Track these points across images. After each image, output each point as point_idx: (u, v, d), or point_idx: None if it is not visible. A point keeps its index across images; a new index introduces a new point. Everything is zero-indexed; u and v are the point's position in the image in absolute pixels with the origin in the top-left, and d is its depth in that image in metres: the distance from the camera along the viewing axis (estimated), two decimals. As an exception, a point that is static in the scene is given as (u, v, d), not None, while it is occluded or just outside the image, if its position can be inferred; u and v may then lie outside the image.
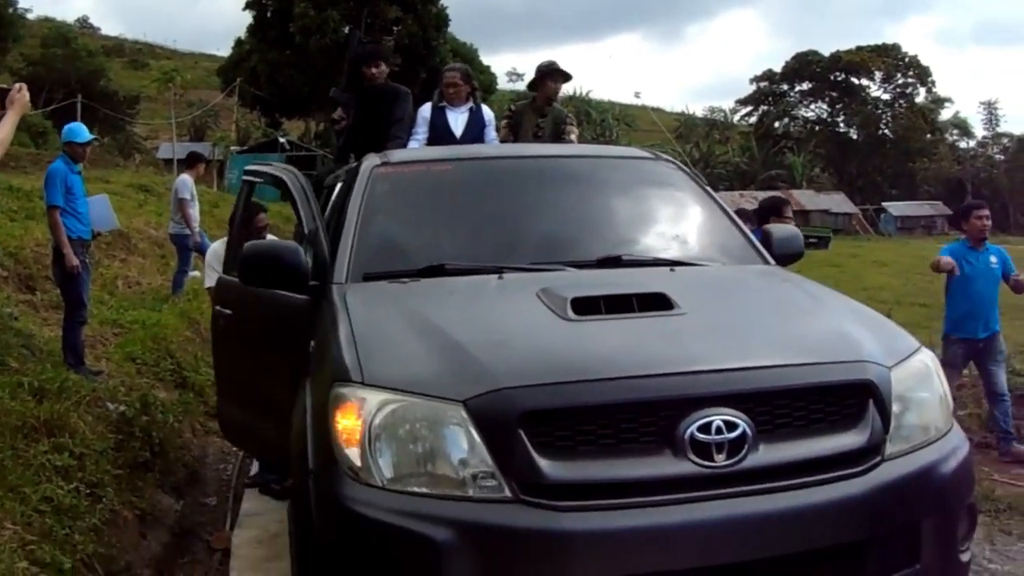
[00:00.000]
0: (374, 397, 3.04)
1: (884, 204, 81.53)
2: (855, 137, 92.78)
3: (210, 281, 7.87)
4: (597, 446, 2.97)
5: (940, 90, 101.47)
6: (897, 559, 3.21)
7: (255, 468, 6.65)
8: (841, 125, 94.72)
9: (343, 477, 3.03)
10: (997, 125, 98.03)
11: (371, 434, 3.00)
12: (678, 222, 4.89)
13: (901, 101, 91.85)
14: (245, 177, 5.80)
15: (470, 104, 7.16)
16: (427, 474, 2.99)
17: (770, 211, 7.00)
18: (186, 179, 12.80)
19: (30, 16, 62.14)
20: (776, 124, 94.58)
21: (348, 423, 3.06)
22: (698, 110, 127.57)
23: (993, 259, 7.94)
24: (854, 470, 3.10)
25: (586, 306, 3.47)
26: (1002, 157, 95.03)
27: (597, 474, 2.93)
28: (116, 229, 11.87)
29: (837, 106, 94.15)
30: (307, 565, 3.28)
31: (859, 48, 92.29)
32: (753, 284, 4.26)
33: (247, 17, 50.12)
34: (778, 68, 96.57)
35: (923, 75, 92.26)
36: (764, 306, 3.89)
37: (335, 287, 3.98)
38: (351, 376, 3.15)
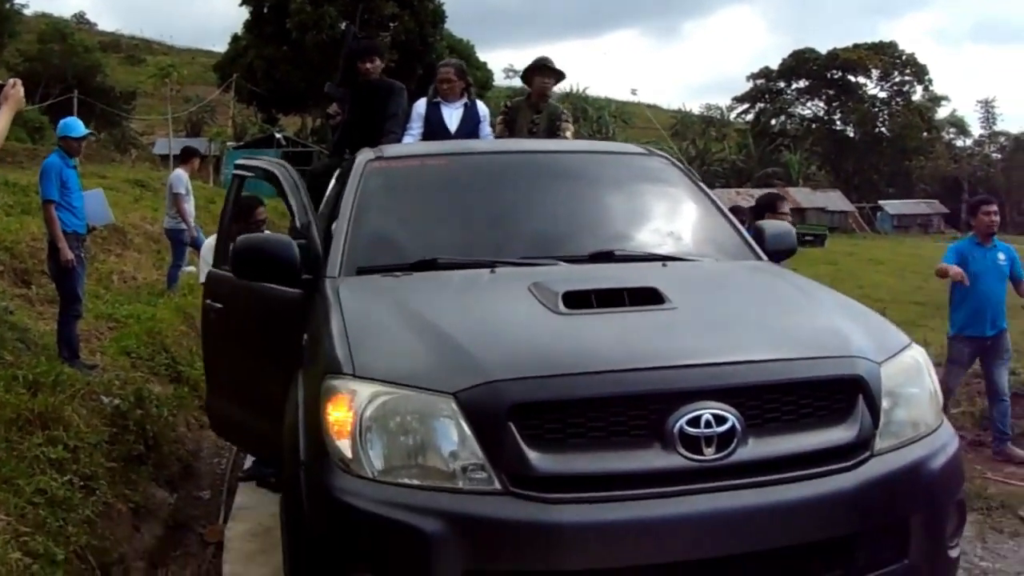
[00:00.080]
0: (365, 389, 3.06)
1: (880, 202, 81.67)
2: (852, 135, 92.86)
3: (204, 276, 7.89)
4: (587, 439, 2.98)
5: (937, 88, 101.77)
6: (886, 554, 3.22)
7: (249, 462, 6.65)
8: (838, 123, 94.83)
9: (334, 469, 3.04)
10: (994, 123, 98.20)
11: (362, 426, 3.01)
12: (671, 218, 4.90)
13: (898, 99, 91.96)
14: (235, 171, 5.80)
15: (465, 100, 7.19)
16: (417, 466, 3.00)
17: (765, 208, 7.02)
18: (181, 174, 12.82)
19: (26, 12, 61.92)
20: (773, 122, 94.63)
21: (339, 415, 3.07)
22: (695, 107, 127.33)
23: (1001, 256, 7.89)
24: (843, 465, 3.11)
25: (577, 300, 3.48)
26: (999, 156, 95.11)
27: (586, 467, 2.94)
28: (111, 224, 11.87)
29: (834, 104, 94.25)
30: (298, 557, 3.29)
31: (856, 46, 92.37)
32: (745, 279, 4.27)
33: (244, 13, 49.98)
34: (775, 65, 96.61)
35: (920, 73, 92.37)
36: (755, 301, 3.90)
37: (328, 280, 4.00)
38: (342, 368, 3.17)
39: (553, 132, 7.25)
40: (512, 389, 2.96)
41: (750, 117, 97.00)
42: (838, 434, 3.15)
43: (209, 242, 8.52)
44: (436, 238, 4.44)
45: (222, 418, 5.58)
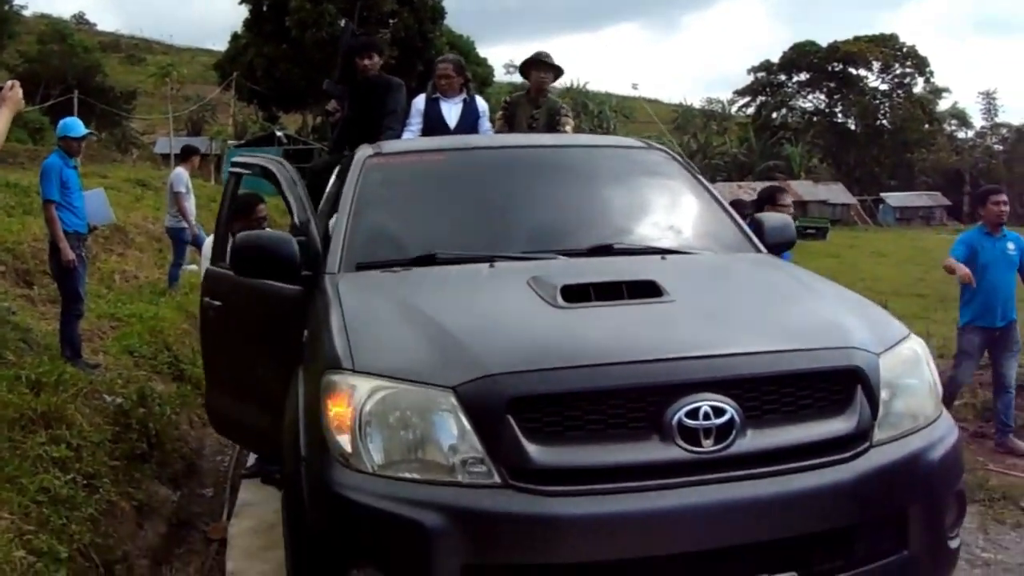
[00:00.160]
0: (365, 384, 3.07)
1: (882, 195, 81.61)
2: (853, 128, 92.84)
3: (205, 274, 7.91)
4: (585, 431, 2.98)
5: (938, 80, 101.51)
6: (885, 545, 3.22)
7: (252, 459, 6.67)
8: (839, 116, 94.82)
9: (334, 463, 3.05)
10: (996, 115, 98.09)
11: (362, 420, 3.02)
12: (670, 211, 4.91)
13: (899, 91, 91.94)
14: (232, 169, 5.81)
15: (464, 95, 7.20)
16: (417, 460, 3.01)
17: (766, 200, 7.00)
18: (181, 173, 12.84)
19: (26, 13, 62.08)
20: (774, 115, 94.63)
21: (339, 410, 3.08)
22: (696, 101, 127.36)
23: (1011, 246, 7.81)
24: (842, 456, 3.11)
25: (576, 293, 3.49)
26: (1001, 147, 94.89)
27: (585, 459, 2.94)
28: (112, 223, 11.88)
29: (835, 96, 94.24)
30: (300, 551, 3.30)
31: (857, 38, 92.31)
32: (744, 272, 4.27)
33: (243, 11, 50.04)
34: (776, 59, 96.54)
35: (921, 65, 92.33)
36: (754, 293, 3.91)
37: (328, 277, 4.01)
38: (342, 364, 3.18)
39: (552, 127, 7.25)
40: (511, 382, 2.97)
41: (751, 110, 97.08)
42: (837, 425, 3.15)
43: (210, 240, 8.53)
44: (435, 233, 4.45)
45: (222, 415, 5.58)
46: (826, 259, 27.21)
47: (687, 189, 4.96)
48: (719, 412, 2.98)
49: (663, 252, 4.28)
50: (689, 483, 2.94)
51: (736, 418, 3.00)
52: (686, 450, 2.95)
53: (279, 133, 48.49)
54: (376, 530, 2.96)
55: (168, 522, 5.86)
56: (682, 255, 4.33)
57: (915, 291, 20.66)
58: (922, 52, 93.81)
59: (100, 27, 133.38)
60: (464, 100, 7.19)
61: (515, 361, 3.06)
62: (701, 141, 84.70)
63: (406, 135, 6.97)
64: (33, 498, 4.52)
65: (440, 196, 4.79)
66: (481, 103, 7.35)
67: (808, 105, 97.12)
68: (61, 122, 8.96)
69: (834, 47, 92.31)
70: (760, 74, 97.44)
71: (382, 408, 3.03)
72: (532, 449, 2.90)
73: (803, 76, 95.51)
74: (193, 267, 12.43)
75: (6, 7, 50.65)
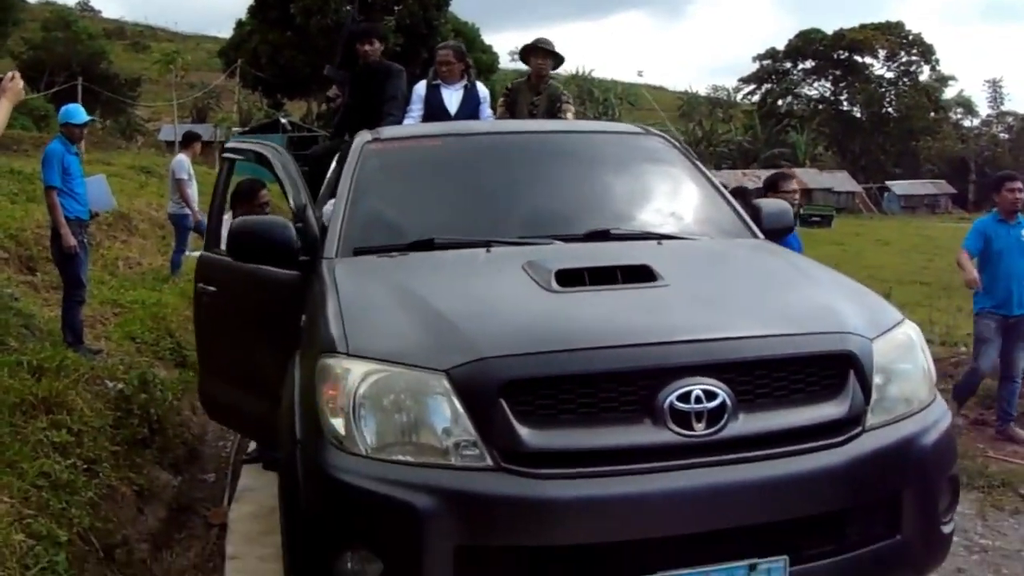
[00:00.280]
0: (359, 367, 3.08)
1: (887, 183, 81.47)
2: (858, 115, 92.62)
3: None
4: (578, 415, 2.99)
5: (944, 68, 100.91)
6: (878, 530, 3.24)
7: (253, 445, 6.69)
8: (844, 103, 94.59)
9: (328, 446, 3.07)
10: (1002, 104, 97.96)
11: (355, 403, 3.03)
12: (667, 196, 4.91)
13: (905, 79, 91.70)
14: (225, 154, 5.81)
15: (464, 82, 7.21)
16: (411, 443, 3.02)
17: (770, 187, 6.99)
18: (183, 159, 12.86)
19: (30, 0, 61.98)
20: (779, 103, 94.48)
21: (333, 393, 3.10)
22: (701, 89, 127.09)
23: None
24: (834, 440, 3.12)
25: (570, 278, 3.50)
26: (1006, 136, 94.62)
27: (577, 442, 2.95)
28: (114, 209, 11.91)
29: (840, 84, 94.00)
30: (295, 534, 3.31)
31: (863, 26, 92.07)
32: (740, 257, 4.28)
33: (248, -2, 50.06)
34: (781, 46, 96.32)
35: (927, 53, 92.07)
36: (748, 278, 3.91)
37: (325, 261, 4.02)
38: (337, 347, 3.19)
39: (553, 113, 7.25)
40: (504, 366, 2.98)
41: (756, 98, 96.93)
42: (829, 410, 3.16)
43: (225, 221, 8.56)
44: (433, 219, 4.46)
45: (216, 401, 5.60)
46: (830, 247, 27.20)
47: (685, 175, 4.96)
48: (711, 396, 2.99)
49: (660, 238, 4.29)
50: (681, 466, 2.95)
51: (728, 402, 3.00)
52: (678, 434, 2.96)
53: (283, 120, 48.43)
54: (370, 512, 2.98)
55: (169, 507, 5.88)
56: (678, 240, 4.33)
57: (919, 279, 20.67)
58: (928, 40, 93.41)
59: (105, 14, 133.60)
60: (465, 86, 7.20)
61: (508, 345, 3.07)
62: (706, 128, 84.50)
63: (407, 121, 6.97)
64: (33, 482, 4.52)
65: (438, 181, 4.80)
66: (482, 89, 7.35)
67: (813, 93, 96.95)
68: (63, 109, 8.98)
69: (840, 35, 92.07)
70: (765, 62, 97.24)
71: (376, 391, 3.05)
72: (524, 432, 2.91)
73: (808, 64, 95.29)
74: (196, 254, 12.43)
75: (10, -6, 50.55)
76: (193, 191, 12.57)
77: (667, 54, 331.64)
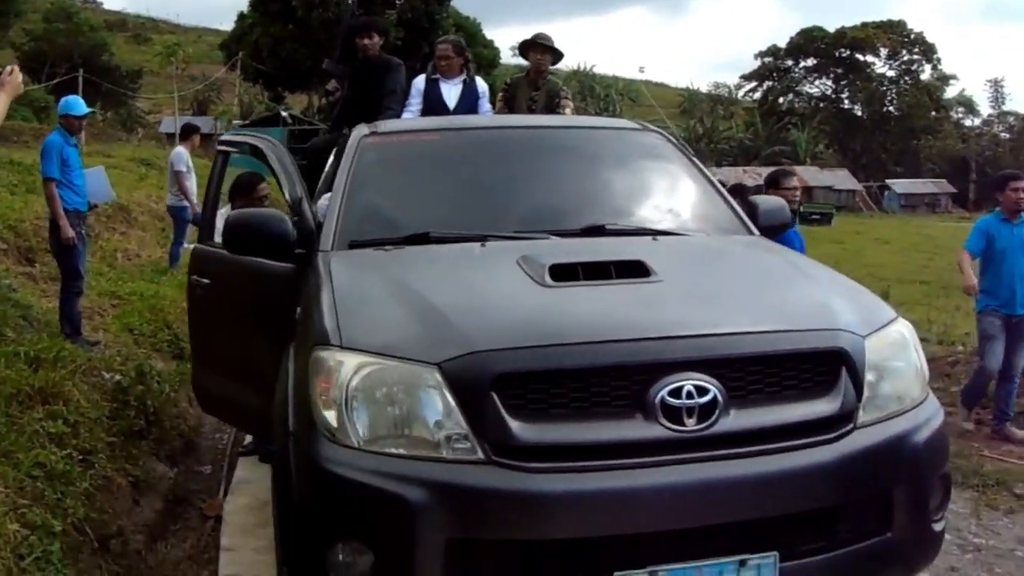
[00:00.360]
0: (351, 360, 3.09)
1: (888, 181, 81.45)
2: (859, 114, 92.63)
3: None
4: (569, 409, 3.00)
5: (946, 67, 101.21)
6: (869, 527, 3.24)
7: (250, 437, 6.69)
8: (846, 102, 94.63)
9: (321, 438, 3.07)
10: (1003, 103, 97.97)
11: (348, 396, 3.04)
12: (664, 192, 4.92)
13: (906, 78, 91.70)
14: (219, 147, 5.81)
15: (463, 76, 7.21)
16: (403, 436, 3.03)
17: (770, 184, 6.99)
18: (181, 151, 12.87)
19: (32, -10, 61.84)
20: (780, 100, 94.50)
21: (326, 385, 3.11)
22: (703, 85, 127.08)
23: None
24: (825, 437, 3.12)
25: (564, 273, 3.50)
26: (1007, 135, 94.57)
27: (568, 437, 2.96)
28: (113, 201, 11.92)
29: (842, 82, 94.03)
30: (288, 526, 3.32)
31: (864, 24, 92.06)
32: (734, 253, 4.28)
33: (250, -9, 50.00)
34: (783, 44, 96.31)
35: (929, 52, 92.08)
36: (742, 275, 3.92)
37: (320, 254, 4.03)
38: (330, 340, 3.20)
39: (552, 109, 7.26)
40: (495, 359, 2.98)
41: (758, 95, 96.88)
42: (821, 407, 3.16)
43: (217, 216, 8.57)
44: (429, 212, 4.46)
45: (209, 393, 5.61)
46: (830, 245, 27.19)
47: (682, 171, 4.97)
48: (702, 391, 2.99)
49: (655, 233, 4.29)
50: (671, 462, 2.95)
51: (719, 398, 3.01)
52: (669, 429, 2.96)
53: (284, 113, 48.31)
54: (361, 505, 2.98)
55: (164, 498, 5.89)
56: (674, 236, 4.34)
57: (919, 278, 20.67)
58: (930, 39, 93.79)
59: (106, 6, 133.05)
60: (464, 81, 7.20)
61: (500, 338, 3.08)
62: (707, 125, 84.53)
63: (406, 115, 6.99)
64: (29, 472, 4.53)
65: (435, 176, 4.80)
66: (481, 84, 7.35)
67: (815, 91, 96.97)
68: (62, 100, 9.00)
69: (841, 33, 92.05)
70: (767, 59, 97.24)
71: (368, 384, 3.05)
72: (516, 426, 2.92)
73: (810, 62, 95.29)
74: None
75: (12, -15, 50.43)
76: (192, 183, 12.57)
77: (669, 50, 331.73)
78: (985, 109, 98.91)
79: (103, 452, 5.37)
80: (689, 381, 2.99)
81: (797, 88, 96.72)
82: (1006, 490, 6.34)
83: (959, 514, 5.86)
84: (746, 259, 4.19)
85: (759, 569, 2.99)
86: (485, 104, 7.27)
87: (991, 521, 5.82)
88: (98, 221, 13.00)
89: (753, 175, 48.29)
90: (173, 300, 10.02)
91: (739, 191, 7.18)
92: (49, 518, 4.26)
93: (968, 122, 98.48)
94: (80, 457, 5.08)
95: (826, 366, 3.23)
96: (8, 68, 4.49)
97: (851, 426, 3.19)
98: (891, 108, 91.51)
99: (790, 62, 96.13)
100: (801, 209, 6.79)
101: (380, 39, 7.43)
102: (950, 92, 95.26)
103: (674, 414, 2.97)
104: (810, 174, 69.66)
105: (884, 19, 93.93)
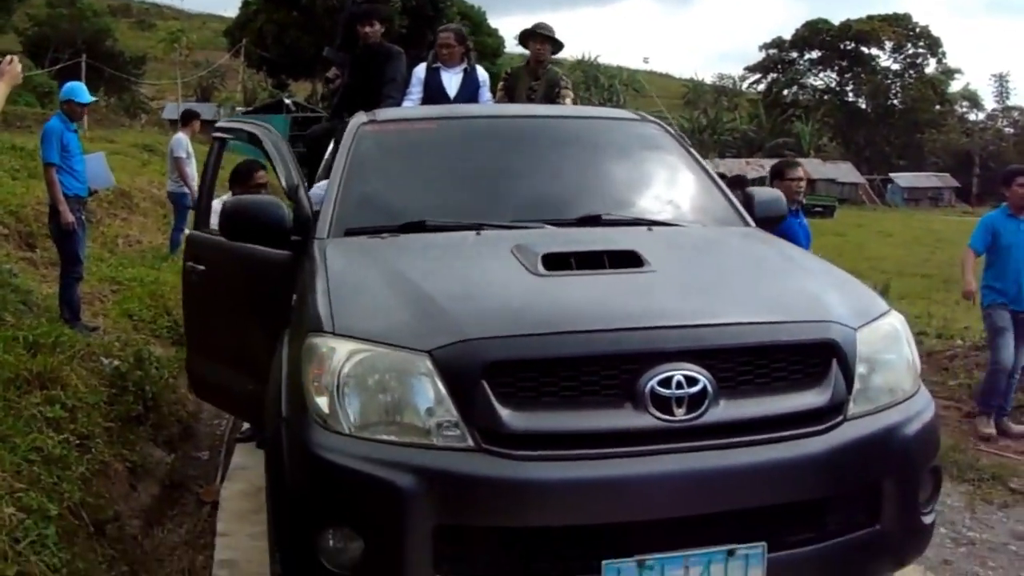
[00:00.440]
0: (344, 347, 3.10)
1: (891, 175, 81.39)
2: (864, 107, 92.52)
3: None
4: (559, 398, 3.00)
5: (951, 61, 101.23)
6: (858, 518, 3.25)
7: (248, 423, 6.71)
8: (850, 94, 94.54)
9: (312, 424, 3.09)
10: (1008, 98, 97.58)
11: (340, 382, 3.05)
12: (660, 183, 4.93)
13: (911, 71, 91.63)
14: (215, 134, 5.82)
15: (464, 65, 7.22)
16: (394, 423, 3.04)
17: (775, 175, 6.98)
18: (181, 137, 12.87)
19: (36, -24, 61.74)
20: (785, 92, 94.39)
21: (318, 371, 3.12)
22: (707, 76, 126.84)
23: None
24: (815, 429, 3.12)
25: (557, 262, 3.51)
26: (1011, 130, 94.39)
27: (558, 425, 2.97)
28: (116, 188, 11.93)
29: (846, 75, 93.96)
30: (279, 512, 3.34)
31: (870, 17, 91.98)
32: (729, 245, 4.29)
33: (255, -22, 49.95)
34: (788, 36, 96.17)
35: (934, 46, 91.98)
36: (736, 266, 3.92)
37: (316, 242, 4.04)
38: (323, 327, 3.21)
39: (551, 99, 7.26)
40: (486, 347, 2.99)
41: (762, 87, 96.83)
42: (810, 398, 3.16)
43: (213, 205, 8.58)
44: (425, 201, 4.47)
45: (203, 379, 5.62)
46: (832, 238, 27.19)
47: (679, 162, 4.97)
48: (692, 381, 3.00)
49: (650, 224, 4.30)
50: (660, 451, 2.96)
51: (709, 388, 3.01)
52: (658, 418, 2.97)
53: (287, 100, 48.32)
54: (352, 491, 2.99)
55: (161, 484, 5.89)
56: (669, 227, 4.35)
57: (920, 271, 20.63)
58: (935, 32, 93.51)
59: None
60: (465, 70, 7.21)
61: (491, 326, 3.09)
62: (711, 117, 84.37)
63: (406, 104, 7.00)
64: (25, 457, 4.53)
65: (432, 164, 4.81)
66: (482, 73, 7.36)
67: (819, 83, 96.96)
68: (66, 86, 8.99)
69: (846, 25, 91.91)
70: (772, 51, 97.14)
71: (360, 371, 3.06)
72: (505, 414, 2.93)
73: (815, 54, 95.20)
74: (194, 232, 12.45)
75: (16, -30, 50.45)
76: (192, 170, 12.56)
77: (674, 41, 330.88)
78: (989, 103, 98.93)
79: (100, 437, 5.38)
80: (679, 371, 3.00)
81: (801, 80, 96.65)
82: (1001, 484, 6.35)
83: (954, 508, 5.88)
84: (740, 250, 4.20)
85: (747, 559, 2.99)
86: (485, 93, 7.27)
87: (985, 515, 5.84)
88: (99, 207, 13.02)
89: (756, 167, 48.24)
90: (173, 286, 9.99)
91: (738, 182, 7.18)
92: (45, 502, 4.26)
93: (972, 116, 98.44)
94: (77, 442, 5.08)
95: (817, 358, 3.24)
96: (8, 58, 4.51)
97: (841, 418, 3.20)
98: (895, 101, 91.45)
99: (795, 54, 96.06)
100: (804, 201, 6.80)
101: (381, 27, 7.44)
102: (955, 86, 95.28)
103: (663, 404, 2.98)
104: (813, 167, 69.50)
105: (889, 12, 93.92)
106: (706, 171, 4.94)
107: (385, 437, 3.01)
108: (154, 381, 6.72)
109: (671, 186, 4.89)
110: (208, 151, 5.95)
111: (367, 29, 7.24)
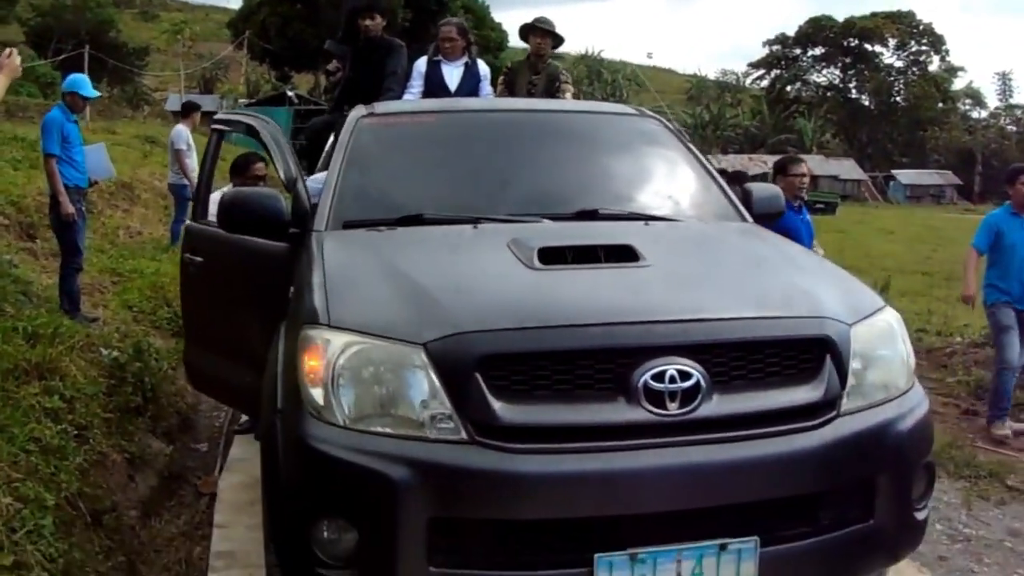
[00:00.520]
0: (339, 339, 3.11)
1: (893, 172, 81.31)
2: (867, 104, 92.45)
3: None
4: (552, 391, 3.01)
5: (954, 59, 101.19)
6: (851, 514, 3.25)
7: (246, 415, 6.71)
8: (853, 91, 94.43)
9: (307, 416, 3.10)
10: (1011, 96, 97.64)
11: (334, 374, 3.06)
12: (658, 178, 4.94)
13: (914, 69, 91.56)
14: (213, 126, 5.82)
15: (465, 59, 7.21)
16: (388, 415, 3.05)
17: (778, 171, 6.97)
18: (181, 129, 12.87)
19: (40, -34, 61.71)
20: (788, 88, 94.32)
21: (313, 363, 3.13)
22: (711, 72, 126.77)
23: None
24: (808, 424, 3.13)
25: (553, 256, 3.52)
26: (1014, 128, 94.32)
27: (551, 418, 2.98)
28: (117, 179, 11.93)
29: (849, 72, 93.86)
30: (274, 503, 3.35)
31: (873, 14, 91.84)
32: (726, 240, 4.29)
33: (259, -30, 49.86)
34: (791, 32, 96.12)
35: (937, 43, 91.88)
36: (731, 261, 3.93)
37: (314, 234, 4.05)
38: (319, 318, 3.22)
39: (552, 93, 7.27)
40: (480, 340, 3.00)
41: (765, 83, 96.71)
42: (804, 393, 3.17)
43: (214, 197, 8.58)
44: (423, 194, 4.48)
45: (201, 371, 5.64)
46: (834, 234, 27.09)
47: (677, 157, 4.98)
48: (685, 376, 3.00)
49: (647, 218, 4.31)
50: (653, 445, 2.97)
51: (702, 382, 3.02)
52: (651, 412, 2.97)
53: (290, 93, 48.33)
54: (346, 483, 3.01)
55: (160, 475, 5.89)
56: (666, 222, 4.35)
57: (921, 269, 20.58)
58: (939, 30, 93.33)
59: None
60: (466, 63, 7.21)
61: (486, 320, 3.10)
62: (714, 112, 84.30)
63: (407, 97, 6.99)
64: (23, 447, 4.53)
65: (431, 158, 4.81)
66: (483, 67, 7.36)
67: (822, 80, 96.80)
68: (70, 77, 8.99)
69: (850, 22, 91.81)
70: (775, 47, 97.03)
71: (355, 363, 3.08)
72: (499, 407, 2.93)
73: (818, 51, 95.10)
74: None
75: (20, -40, 50.42)
76: (192, 161, 12.53)
77: (677, 37, 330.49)
78: (992, 101, 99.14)
79: (99, 428, 5.38)
80: (672, 365, 3.01)
81: (805, 77, 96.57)
82: (998, 481, 6.35)
83: (950, 504, 5.89)
84: (736, 246, 4.20)
85: (739, 553, 3.00)
86: (486, 87, 7.27)
87: (981, 512, 5.84)
88: (101, 198, 13.02)
89: (759, 163, 48.20)
90: (173, 278, 9.94)
91: (738, 178, 7.18)
92: (43, 492, 4.26)
93: (975, 114, 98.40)
94: (75, 432, 5.07)
95: (810, 353, 3.24)
96: (7, 51, 4.53)
97: (834, 413, 3.20)
98: (898, 99, 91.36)
99: (798, 51, 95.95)
100: (807, 197, 6.80)
101: (383, 20, 7.43)
102: (958, 84, 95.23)
103: (657, 398, 2.98)
104: (815, 163, 69.32)
105: (893, 9, 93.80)
106: (704, 166, 4.95)
107: (379, 429, 3.02)
108: (153, 372, 6.72)
109: (669, 181, 4.89)
110: (207, 143, 5.95)
111: (368, 22, 7.24)
